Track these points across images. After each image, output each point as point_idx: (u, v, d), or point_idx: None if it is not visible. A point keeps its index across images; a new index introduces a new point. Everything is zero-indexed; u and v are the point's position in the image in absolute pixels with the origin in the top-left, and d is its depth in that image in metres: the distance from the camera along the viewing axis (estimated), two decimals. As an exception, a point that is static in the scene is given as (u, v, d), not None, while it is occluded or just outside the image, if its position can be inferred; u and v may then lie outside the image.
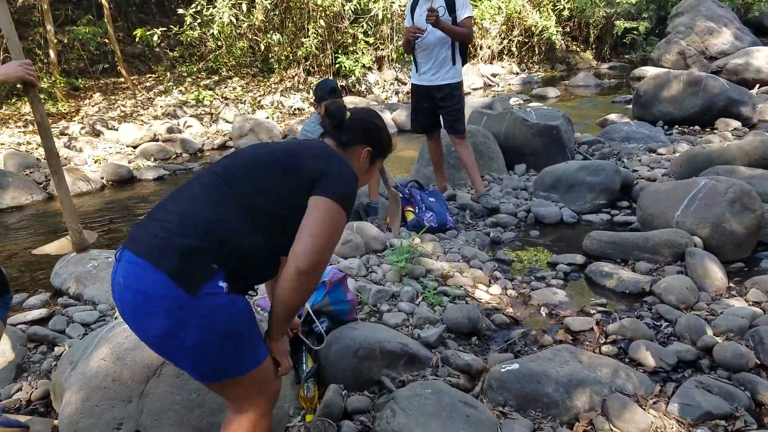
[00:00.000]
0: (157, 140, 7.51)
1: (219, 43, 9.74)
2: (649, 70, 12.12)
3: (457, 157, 4.45)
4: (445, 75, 4.06)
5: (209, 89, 10.00)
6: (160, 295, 1.25)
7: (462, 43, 4.04)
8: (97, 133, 7.73)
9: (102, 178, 6.22)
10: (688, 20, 12.77)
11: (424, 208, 3.89)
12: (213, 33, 9.28)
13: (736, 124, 6.44)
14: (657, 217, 3.50)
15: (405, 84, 11.68)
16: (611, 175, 4.24)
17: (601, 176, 4.22)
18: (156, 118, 8.68)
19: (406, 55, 9.37)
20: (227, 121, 8.64)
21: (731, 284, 2.89)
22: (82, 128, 7.86)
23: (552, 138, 5.05)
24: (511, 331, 2.51)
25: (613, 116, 7.39)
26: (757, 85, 8.18)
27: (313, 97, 3.74)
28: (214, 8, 9.19)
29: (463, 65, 4.17)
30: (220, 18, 9.08)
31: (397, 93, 11.47)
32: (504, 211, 4.16)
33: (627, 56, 15.40)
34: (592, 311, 2.67)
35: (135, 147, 7.28)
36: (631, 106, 8.19)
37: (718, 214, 3.20)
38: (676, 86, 6.89)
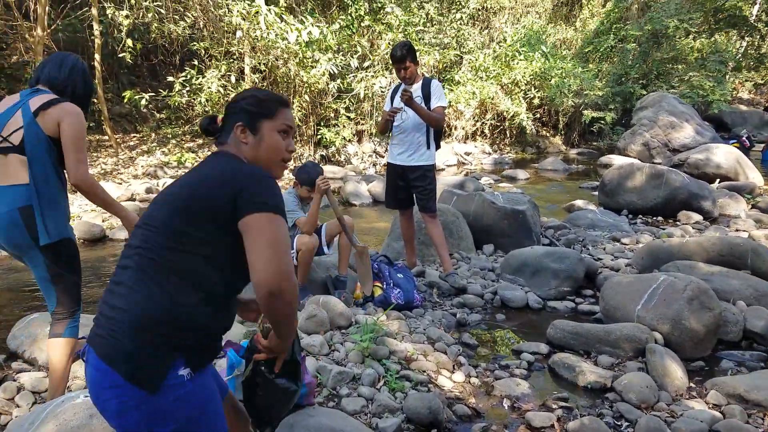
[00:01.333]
0: (135, 200, 7.46)
1: (206, 109, 9.92)
2: (615, 159, 12.72)
3: (427, 234, 4.52)
4: (419, 157, 4.20)
5: (192, 152, 10.07)
6: (124, 397, 1.24)
7: (434, 128, 4.21)
8: (74, 190, 7.59)
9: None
10: (652, 114, 13.56)
11: (392, 285, 3.88)
12: (200, 101, 9.46)
13: (698, 217, 6.71)
14: (619, 310, 3.56)
15: (382, 156, 11.98)
16: (575, 263, 4.33)
17: (565, 264, 4.31)
18: (136, 177, 8.64)
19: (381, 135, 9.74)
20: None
21: (691, 384, 2.91)
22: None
23: (518, 222, 5.19)
24: (473, 424, 2.46)
25: (579, 202, 7.64)
26: (717, 180, 8.62)
27: (296, 176, 3.77)
28: (203, 77, 9.42)
29: (436, 150, 4.33)
30: (209, 87, 9.29)
31: (374, 165, 11.74)
32: (471, 292, 4.18)
33: (595, 143, 16.17)
34: (553, 406, 2.64)
35: (112, 206, 7.19)
36: (596, 192, 8.53)
37: (677, 311, 3.27)
38: (640, 177, 7.21)
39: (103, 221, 6.50)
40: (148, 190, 7.84)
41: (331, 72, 9.91)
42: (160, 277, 1.29)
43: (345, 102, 10.91)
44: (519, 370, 3.05)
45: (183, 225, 1.31)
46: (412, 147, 4.20)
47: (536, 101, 14.29)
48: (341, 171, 10.36)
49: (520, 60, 13.83)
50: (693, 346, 3.27)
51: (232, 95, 9.94)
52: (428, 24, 13.94)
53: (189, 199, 1.34)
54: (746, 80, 22.41)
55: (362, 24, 11.27)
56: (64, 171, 2.36)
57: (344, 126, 10.98)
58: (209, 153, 10.60)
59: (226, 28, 9.35)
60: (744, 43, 21.04)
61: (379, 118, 11.62)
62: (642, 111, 13.97)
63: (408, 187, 4.31)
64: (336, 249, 3.91)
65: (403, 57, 4.02)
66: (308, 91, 10.14)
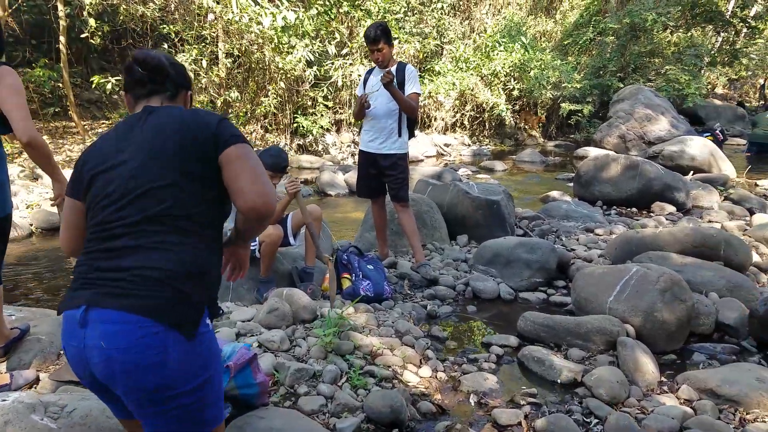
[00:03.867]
0: None
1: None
2: (592, 151, 12.74)
3: (399, 224, 4.41)
4: (391, 145, 4.07)
5: (160, 138, 9.78)
6: (168, 340, 1.24)
7: (407, 115, 4.08)
8: (35, 178, 7.30)
9: (31, 225, 5.82)
10: (628, 107, 13.61)
11: (361, 276, 3.76)
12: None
13: (671, 208, 6.72)
14: (591, 301, 3.49)
15: (359, 146, 11.83)
16: (547, 253, 4.26)
17: (537, 254, 4.23)
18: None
19: (353, 112, 9.57)
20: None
21: (663, 378, 2.84)
22: (21, 171, 7.42)
23: (492, 212, 5.10)
24: (437, 422, 2.35)
25: (555, 193, 7.60)
26: (692, 172, 8.65)
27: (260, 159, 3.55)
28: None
29: (409, 138, 4.20)
30: (177, 71, 9.00)
31: (352, 155, 11.58)
32: (443, 283, 4.08)
33: (572, 136, 16.21)
34: (522, 402, 2.55)
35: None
36: (572, 184, 8.50)
37: (649, 303, 3.21)
38: (615, 168, 7.19)
39: (64, 209, 6.24)
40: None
41: (308, 59, 9.69)
42: (190, 233, 1.34)
43: (323, 90, 10.71)
44: (488, 364, 2.96)
45: (185, 175, 1.36)
46: (384, 134, 4.07)
47: (515, 93, 14.24)
48: (318, 161, 10.19)
49: (500, 51, 13.74)
50: (665, 338, 3.22)
51: (204, 80, 9.79)
52: (409, 13, 13.76)
53: (179, 149, 1.37)
54: (720, 75, 22.67)
55: (340, 10, 11.05)
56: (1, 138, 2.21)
57: (322, 115, 10.78)
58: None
59: (197, 11, 9.06)
60: (719, 39, 21.28)
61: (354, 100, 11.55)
62: (619, 103, 14.02)
63: (380, 176, 4.19)
64: (302, 240, 3.76)
65: (377, 38, 3.88)
66: (284, 78, 9.92)
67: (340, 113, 11.75)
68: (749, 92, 26.90)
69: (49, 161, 2.23)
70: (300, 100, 10.66)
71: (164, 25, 9.55)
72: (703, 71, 17.56)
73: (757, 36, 21.00)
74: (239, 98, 10.20)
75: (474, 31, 16.16)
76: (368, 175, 4.24)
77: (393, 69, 4.03)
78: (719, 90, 25.76)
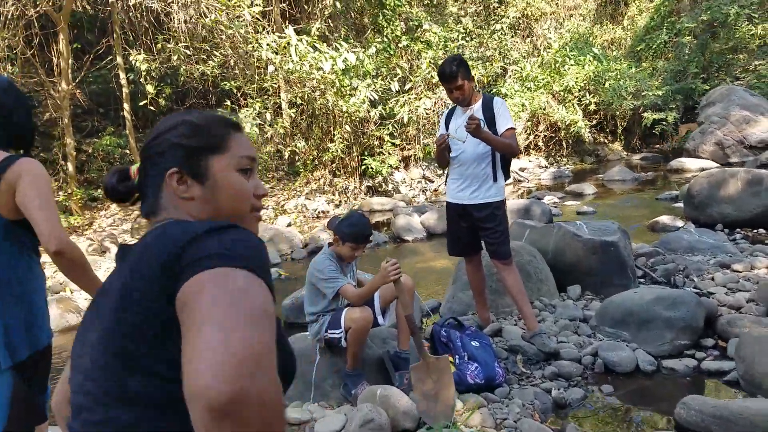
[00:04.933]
0: None
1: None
2: (687, 162, 11.58)
3: (498, 280, 3.77)
4: (485, 193, 3.47)
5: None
6: None
7: (508, 156, 3.50)
8: (104, 251, 7.18)
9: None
10: (721, 110, 12.34)
11: (466, 358, 3.14)
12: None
13: (810, 227, 5.69)
14: (773, 378, 2.69)
15: (432, 181, 11.30)
16: (693, 308, 3.46)
17: (681, 311, 3.44)
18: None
19: (434, 158, 9.04)
20: (246, 229, 8.18)
21: None
22: (90, 245, 7.35)
23: (609, 256, 4.33)
24: None
25: (665, 218, 6.68)
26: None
27: (336, 230, 2.97)
28: (236, 118, 9.04)
29: (506, 180, 3.60)
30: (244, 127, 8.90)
31: (424, 191, 11.06)
32: (565, 356, 3.38)
33: (657, 146, 14.96)
34: None
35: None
36: (678, 204, 7.53)
37: None
38: (734, 185, 6.22)
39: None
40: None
41: (372, 98, 9.34)
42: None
43: (388, 128, 10.31)
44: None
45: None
46: (476, 181, 3.48)
47: (592, 107, 13.31)
48: (390, 201, 9.72)
49: (571, 65, 12.92)
50: None
51: (269, 132, 9.67)
52: (467, 38, 13.28)
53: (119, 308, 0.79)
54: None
55: (400, 45, 10.72)
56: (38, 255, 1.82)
57: (389, 153, 10.37)
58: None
59: (257, 64, 8.95)
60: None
61: (425, 141, 11.10)
62: (709, 107, 12.76)
63: (473, 230, 3.59)
64: (393, 316, 3.20)
65: (454, 74, 3.33)
66: (349, 120, 9.60)
67: (408, 149, 11.31)
68: None
69: (85, 273, 1.76)
70: (366, 140, 10.31)
71: (225, 82, 9.53)
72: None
73: None
74: (305, 145, 9.99)
75: (538, 48, 15.43)
76: (459, 230, 3.65)
77: (478, 105, 3.48)
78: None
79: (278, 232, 7.24)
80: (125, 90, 8.55)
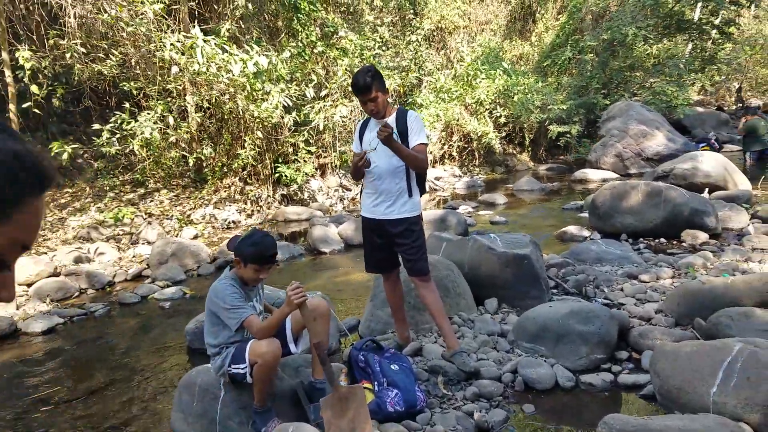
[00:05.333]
0: (59, 274, 6.07)
1: (148, 153, 8.82)
2: (590, 173, 12.23)
3: (420, 301, 3.62)
4: (401, 208, 3.32)
5: (133, 204, 8.92)
6: None
7: (416, 171, 3.35)
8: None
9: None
10: (620, 124, 13.16)
11: (385, 384, 2.95)
12: (133, 149, 8.37)
13: (704, 236, 6.10)
14: (685, 392, 2.72)
15: (349, 190, 11.11)
16: (607, 323, 3.49)
17: (595, 325, 3.46)
18: (66, 242, 7.40)
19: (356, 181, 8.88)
20: (149, 242, 7.55)
21: None
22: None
23: (523, 269, 4.33)
24: None
25: (572, 229, 6.91)
26: (707, 190, 8.05)
27: (236, 251, 2.67)
28: (135, 122, 8.34)
29: (421, 195, 3.46)
30: (142, 132, 8.21)
31: (341, 200, 10.84)
32: (486, 375, 3.28)
33: (562, 157, 15.72)
34: None
35: (29, 285, 5.75)
36: (583, 214, 7.85)
37: (770, 394, 2.45)
38: (636, 197, 6.54)
39: (17, 308, 5.30)
40: (77, 259, 6.55)
41: (285, 104, 9.01)
42: None
43: (303, 135, 10.01)
44: None
45: None
46: (390, 196, 3.32)
47: (502, 119, 13.74)
48: (306, 211, 9.41)
49: (483, 79, 13.28)
50: (796, 440, 2.45)
51: (171, 137, 9.01)
52: (384, 47, 13.28)
53: None
54: (697, 81, 22.56)
55: (315, 50, 10.46)
56: None
57: (305, 161, 10.05)
58: (152, 203, 9.22)
59: (160, 64, 8.34)
60: (690, 47, 21.22)
61: (342, 149, 10.89)
62: (610, 121, 13.58)
63: (390, 246, 3.42)
64: (307, 343, 2.94)
65: (368, 86, 3.14)
66: (261, 126, 9.20)
67: (324, 157, 11.06)
68: (725, 96, 26.93)
69: None
70: (280, 147, 9.94)
71: (125, 82, 8.81)
72: (686, 81, 17.31)
73: (726, 42, 20.96)
74: (213, 152, 9.44)
75: (452, 61, 15.76)
76: (375, 245, 3.47)
77: (392, 118, 3.33)
78: (695, 97, 25.74)
79: (182, 245, 6.71)
80: (11, 89, 7.64)
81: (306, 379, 2.89)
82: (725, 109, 21.63)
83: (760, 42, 26.78)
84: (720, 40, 20.63)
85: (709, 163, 8.57)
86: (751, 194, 7.89)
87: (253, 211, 9.42)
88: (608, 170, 12.41)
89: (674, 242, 6.23)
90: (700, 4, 18.52)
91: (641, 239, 6.40)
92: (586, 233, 6.82)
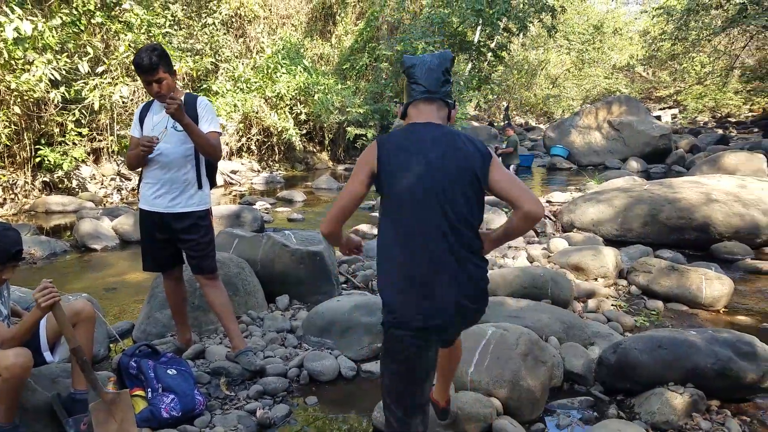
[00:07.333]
0: None
1: None
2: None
3: (206, 302, 3.43)
4: (188, 201, 3.10)
5: None
6: None
7: (208, 158, 3.16)
8: None
9: None
10: (407, 131, 14.27)
11: (160, 390, 2.73)
12: None
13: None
14: (450, 373, 3.04)
15: (129, 180, 10.08)
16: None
17: (376, 316, 3.68)
18: None
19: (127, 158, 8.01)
20: None
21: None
22: None
23: (315, 265, 4.42)
24: None
25: (363, 227, 7.28)
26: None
27: None
28: None
29: (211, 188, 3.29)
30: None
31: (119, 190, 9.78)
32: (271, 372, 3.25)
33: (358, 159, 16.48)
34: None
35: None
36: (374, 214, 8.32)
37: (513, 371, 2.87)
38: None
39: None
40: None
41: (52, 77, 7.80)
42: None
43: (74, 114, 8.78)
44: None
45: None
46: (176, 187, 3.08)
47: (303, 116, 13.86)
48: (73, 201, 8.28)
49: (283, 73, 13.21)
50: (530, 407, 2.91)
51: None
52: (176, 27, 12.35)
53: None
54: (472, 99, 25.66)
55: (93, 21, 9.24)
56: None
57: (75, 144, 8.83)
58: None
59: None
60: (469, 66, 24.04)
61: (121, 132, 9.78)
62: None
63: (172, 242, 3.18)
64: (66, 351, 2.57)
65: (154, 66, 2.87)
66: (19, 100, 7.82)
67: (99, 141, 9.85)
68: (495, 113, 31.13)
69: None
70: (44, 127, 8.58)
71: None
72: (465, 97, 19.47)
73: (499, 64, 24.21)
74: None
75: (251, 51, 15.37)
76: (155, 242, 3.19)
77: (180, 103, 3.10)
78: (472, 112, 29.26)
79: None
80: None
81: (65, 391, 2.52)
82: (495, 124, 25.00)
83: (524, 67, 31.57)
84: (494, 62, 23.69)
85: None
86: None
87: (5, 199, 7.98)
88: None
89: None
90: (479, 28, 21.07)
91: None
92: (375, 231, 7.23)
